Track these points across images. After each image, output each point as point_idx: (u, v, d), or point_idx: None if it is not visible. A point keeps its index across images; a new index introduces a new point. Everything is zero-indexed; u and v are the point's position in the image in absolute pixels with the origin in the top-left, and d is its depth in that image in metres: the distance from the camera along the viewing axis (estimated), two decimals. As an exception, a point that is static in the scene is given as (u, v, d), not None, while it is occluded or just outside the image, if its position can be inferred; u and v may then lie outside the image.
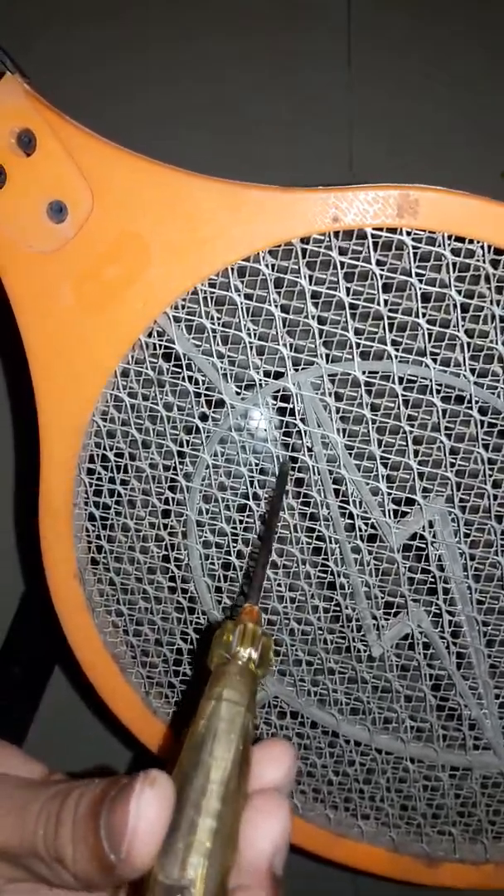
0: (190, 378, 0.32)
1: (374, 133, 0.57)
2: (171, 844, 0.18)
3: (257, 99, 0.57)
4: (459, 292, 0.29)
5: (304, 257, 0.29)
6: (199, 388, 0.32)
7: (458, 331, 0.29)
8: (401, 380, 0.31)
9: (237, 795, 0.19)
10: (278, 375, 0.32)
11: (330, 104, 0.57)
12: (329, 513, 0.33)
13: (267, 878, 0.20)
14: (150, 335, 0.32)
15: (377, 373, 0.31)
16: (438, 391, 0.31)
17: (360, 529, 0.33)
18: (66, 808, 0.19)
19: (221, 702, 0.20)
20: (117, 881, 0.19)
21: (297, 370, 0.31)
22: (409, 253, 0.29)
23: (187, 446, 0.33)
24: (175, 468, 0.34)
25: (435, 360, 0.30)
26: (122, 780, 0.19)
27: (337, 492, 0.33)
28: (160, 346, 0.32)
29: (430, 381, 0.30)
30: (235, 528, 0.34)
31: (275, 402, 0.33)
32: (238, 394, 0.32)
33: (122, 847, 0.18)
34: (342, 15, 0.58)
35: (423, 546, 0.33)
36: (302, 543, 0.34)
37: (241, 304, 0.30)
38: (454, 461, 0.31)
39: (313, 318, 0.30)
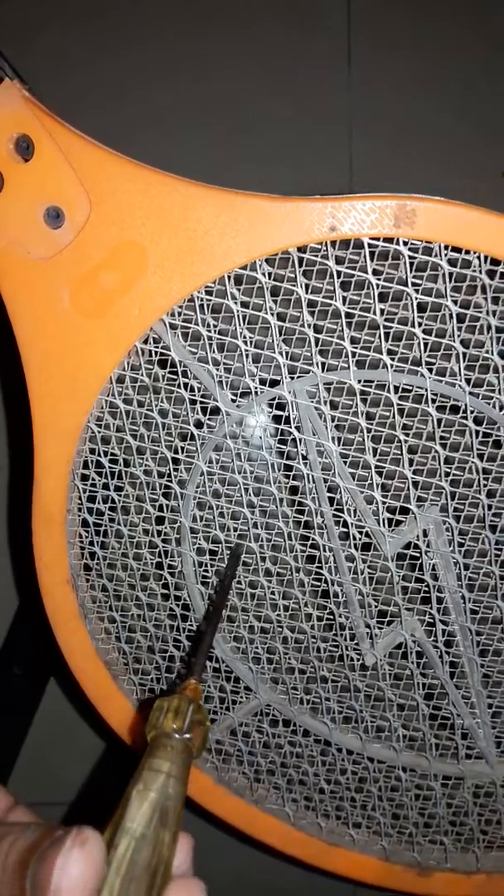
0: (185, 385, 0.32)
1: (374, 133, 0.57)
2: None
3: (257, 99, 0.58)
4: (455, 302, 0.29)
5: (300, 266, 0.29)
6: (194, 395, 0.32)
7: (454, 341, 0.30)
8: (396, 389, 0.31)
9: (162, 862, 0.20)
10: (274, 383, 0.32)
11: (330, 104, 0.58)
12: (323, 521, 0.33)
13: None
14: (145, 341, 0.32)
15: (372, 382, 0.31)
16: (434, 401, 0.31)
17: (355, 538, 0.33)
18: None
19: (169, 778, 0.21)
20: None
21: (292, 378, 0.31)
22: (405, 263, 0.29)
23: (182, 453, 0.33)
24: (170, 475, 0.34)
25: (430, 370, 0.30)
26: (57, 832, 0.18)
27: (331, 500, 0.33)
28: (156, 352, 0.32)
29: (426, 390, 0.30)
30: (229, 536, 0.34)
31: (270, 410, 0.33)
32: (233, 401, 0.32)
33: None
34: (342, 15, 0.58)
35: (417, 555, 0.33)
36: (296, 551, 0.34)
37: (238, 311, 0.30)
38: (449, 471, 0.31)
39: (309, 326, 0.30)
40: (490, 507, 0.32)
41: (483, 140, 0.58)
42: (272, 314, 0.30)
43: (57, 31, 0.58)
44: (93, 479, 0.34)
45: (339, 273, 0.29)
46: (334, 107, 0.58)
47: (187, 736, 0.22)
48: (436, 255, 0.29)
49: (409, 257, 0.29)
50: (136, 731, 0.39)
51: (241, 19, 0.58)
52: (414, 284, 0.29)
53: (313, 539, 0.34)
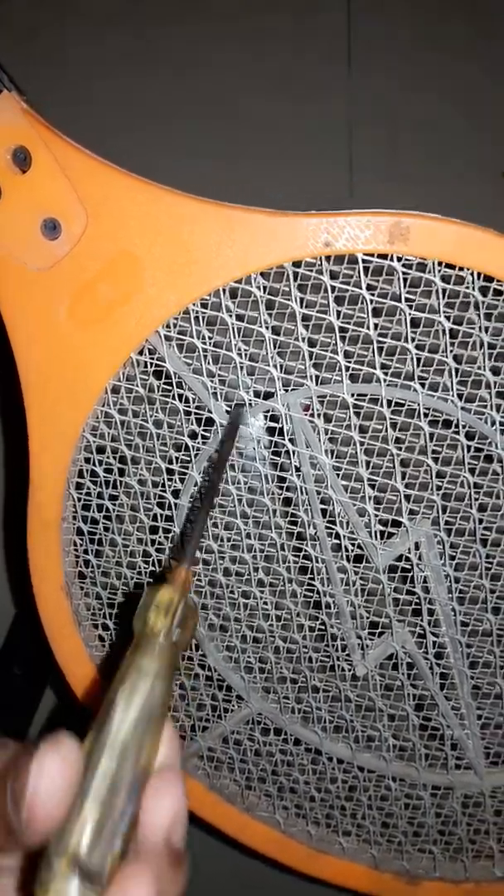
0: (180, 396, 0.32)
1: (374, 133, 0.58)
2: (75, 815, 0.18)
3: (257, 99, 0.58)
4: (448, 318, 0.29)
5: (295, 280, 0.30)
6: (188, 406, 0.32)
7: (447, 356, 0.30)
8: (389, 403, 0.31)
9: (144, 767, 0.19)
10: (268, 396, 0.32)
11: (330, 104, 0.58)
12: (316, 533, 0.34)
13: (165, 851, 0.19)
14: (141, 353, 0.32)
15: (366, 395, 0.31)
16: (426, 415, 0.31)
17: (347, 550, 0.33)
18: None
19: (156, 679, 0.20)
20: (24, 846, 0.19)
21: (286, 391, 0.32)
22: (399, 278, 0.29)
23: (176, 463, 0.34)
24: (164, 485, 0.34)
25: (423, 385, 0.30)
26: (33, 745, 0.19)
27: (324, 512, 0.33)
28: (151, 363, 0.32)
29: (418, 405, 0.31)
30: (223, 545, 0.35)
31: (264, 422, 0.33)
32: (228, 412, 0.32)
33: (21, 808, 0.18)
34: (342, 15, 0.58)
35: (409, 568, 0.33)
36: (289, 562, 0.34)
37: (233, 324, 0.31)
38: (441, 484, 0.32)
39: (303, 340, 0.30)
40: (481, 521, 0.32)
41: (483, 140, 0.58)
42: (267, 327, 0.31)
43: (56, 31, 0.58)
44: (88, 488, 0.34)
45: (333, 288, 0.29)
46: (334, 107, 0.58)
47: (177, 632, 0.21)
48: (429, 272, 0.29)
49: (403, 273, 0.29)
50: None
51: (241, 20, 0.58)
52: (407, 300, 0.29)
53: (306, 550, 0.34)
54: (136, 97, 0.58)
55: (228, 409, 0.32)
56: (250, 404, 0.32)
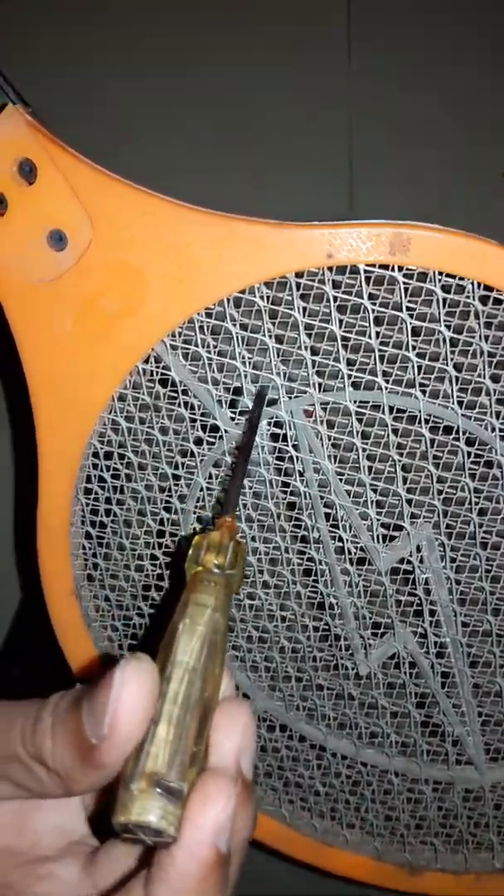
0: (185, 403, 0.33)
1: (373, 133, 0.58)
2: (167, 744, 0.18)
3: (257, 100, 0.58)
4: (449, 327, 0.30)
5: (298, 290, 0.30)
6: (194, 414, 0.33)
7: (447, 364, 0.30)
8: (390, 410, 0.31)
9: (211, 694, 0.20)
10: (271, 403, 0.33)
11: (330, 104, 0.58)
12: (319, 536, 0.34)
13: (236, 776, 0.19)
14: (147, 361, 0.32)
15: (367, 402, 0.32)
16: (427, 421, 0.31)
17: (349, 553, 0.34)
18: (47, 706, 0.19)
19: (214, 612, 0.21)
20: (98, 771, 0.18)
21: (290, 398, 0.32)
22: (400, 288, 0.29)
23: (182, 469, 0.34)
24: (170, 490, 0.35)
25: (424, 392, 0.31)
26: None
27: (327, 516, 0.34)
28: (157, 372, 0.33)
29: (419, 412, 0.31)
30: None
31: (268, 429, 0.33)
32: (232, 419, 0.33)
33: (103, 721, 0.17)
34: (342, 15, 0.58)
35: (410, 570, 0.34)
36: (293, 565, 0.35)
37: (237, 334, 0.31)
38: (441, 489, 0.32)
39: (306, 348, 0.31)
40: (481, 525, 0.33)
41: (483, 140, 0.58)
42: (270, 336, 0.31)
43: (54, 32, 0.58)
44: (95, 494, 0.35)
45: (335, 298, 0.30)
46: (334, 107, 0.58)
47: (228, 568, 0.22)
48: (430, 282, 0.29)
49: (404, 283, 0.29)
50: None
51: (240, 20, 0.58)
52: (408, 309, 0.30)
53: (309, 553, 0.35)
54: (137, 104, 0.58)
55: (233, 415, 0.33)
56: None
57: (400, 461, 0.32)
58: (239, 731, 0.20)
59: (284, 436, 0.33)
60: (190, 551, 0.23)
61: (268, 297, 0.30)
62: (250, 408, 0.32)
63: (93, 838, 0.23)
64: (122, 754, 0.18)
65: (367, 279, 0.29)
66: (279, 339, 0.31)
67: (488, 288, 0.29)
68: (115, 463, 0.35)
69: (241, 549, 0.23)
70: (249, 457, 0.30)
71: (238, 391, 0.33)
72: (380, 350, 0.30)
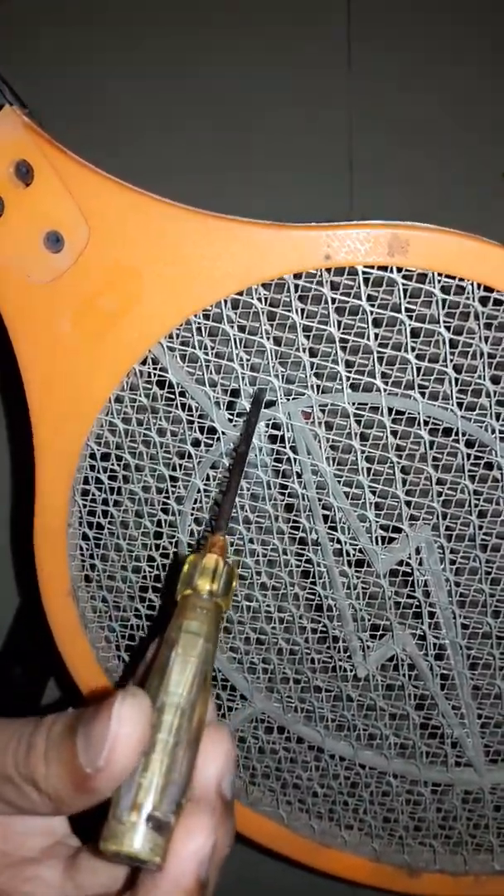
0: (183, 405, 0.33)
1: (373, 133, 0.57)
2: (159, 776, 0.19)
3: (256, 100, 0.57)
4: (448, 328, 0.29)
5: (296, 291, 0.30)
6: (191, 415, 0.33)
7: (447, 366, 0.30)
8: (389, 412, 0.31)
9: (199, 725, 0.20)
10: (270, 405, 0.32)
11: (330, 104, 0.57)
12: (318, 538, 0.34)
13: (217, 800, 0.20)
14: (144, 363, 0.32)
15: (366, 404, 0.31)
16: (426, 423, 0.31)
17: (348, 555, 0.34)
18: (40, 730, 0.20)
19: (207, 643, 0.21)
20: (90, 798, 0.19)
21: (288, 400, 0.32)
22: (399, 290, 0.29)
23: (179, 471, 0.34)
24: (167, 492, 0.35)
25: (423, 394, 0.31)
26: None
27: (326, 518, 0.34)
28: (154, 373, 0.32)
29: (419, 413, 0.31)
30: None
31: (266, 430, 0.33)
32: (230, 421, 0.33)
33: (101, 754, 0.18)
34: (342, 15, 0.57)
35: (409, 572, 0.34)
36: (291, 567, 0.35)
37: (234, 335, 0.31)
38: (441, 491, 0.32)
39: (304, 350, 0.31)
40: (481, 527, 0.32)
41: (483, 140, 0.58)
42: (268, 338, 0.31)
43: (54, 32, 0.58)
44: (93, 495, 0.35)
45: (333, 299, 0.30)
46: (334, 107, 0.58)
47: (218, 593, 0.22)
48: (429, 283, 0.29)
49: (403, 285, 0.29)
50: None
51: (240, 20, 0.58)
52: (407, 311, 0.29)
53: (308, 555, 0.34)
54: (137, 104, 0.58)
55: (231, 417, 0.33)
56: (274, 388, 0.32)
57: (399, 463, 0.32)
58: (221, 757, 0.21)
59: (283, 437, 0.33)
60: (182, 574, 0.23)
61: (266, 299, 0.30)
62: (247, 411, 0.32)
63: (73, 837, 0.24)
64: (116, 783, 0.19)
65: (366, 280, 0.29)
66: (277, 341, 0.31)
67: (488, 289, 0.29)
68: (113, 464, 0.34)
69: (234, 572, 0.23)
70: (243, 471, 0.30)
71: (236, 393, 0.33)
72: (378, 352, 0.30)
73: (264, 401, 0.32)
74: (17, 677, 0.56)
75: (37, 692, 0.57)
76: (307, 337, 0.31)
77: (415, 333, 0.30)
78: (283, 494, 0.34)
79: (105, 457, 0.34)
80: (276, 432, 0.33)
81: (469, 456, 0.31)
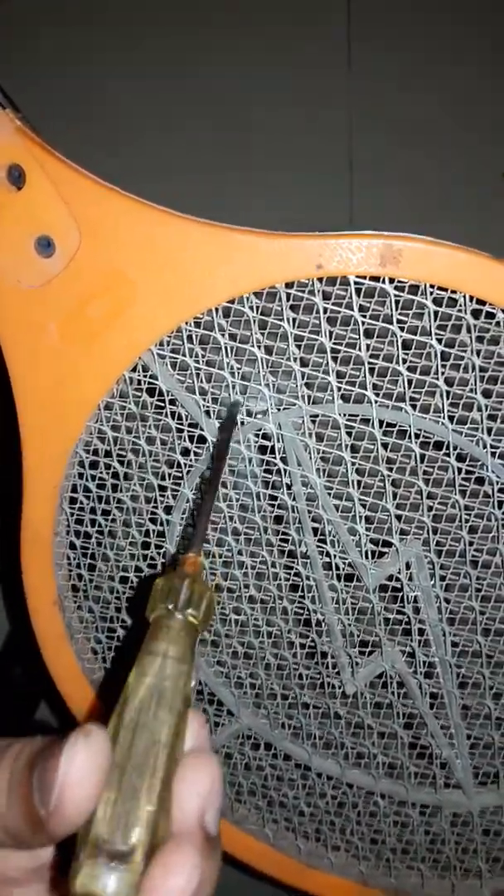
0: (173, 413, 0.32)
1: (373, 133, 0.57)
2: (110, 807, 0.18)
3: (256, 100, 0.58)
4: (440, 340, 0.29)
5: (287, 301, 0.30)
6: (181, 424, 0.33)
7: (438, 378, 0.30)
8: (380, 424, 0.31)
9: (175, 757, 0.19)
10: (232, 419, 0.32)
11: (330, 104, 0.58)
12: (307, 551, 0.34)
13: (199, 834, 0.19)
14: (134, 370, 0.32)
15: (357, 416, 0.31)
16: (417, 436, 0.31)
17: (337, 568, 0.33)
18: (4, 761, 0.19)
19: (166, 659, 0.20)
20: (48, 838, 0.18)
21: (278, 410, 0.32)
22: (391, 301, 0.29)
23: (168, 480, 0.34)
24: (156, 501, 0.34)
25: (414, 406, 0.30)
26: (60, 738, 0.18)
27: (315, 531, 0.33)
28: (144, 381, 0.32)
29: (409, 426, 0.30)
30: (214, 562, 0.35)
31: (256, 441, 0.33)
32: (220, 421, 0.33)
33: (50, 798, 0.17)
34: (342, 15, 0.58)
35: (399, 587, 0.33)
36: (279, 580, 0.34)
37: (225, 344, 0.31)
38: (431, 506, 0.32)
39: (295, 360, 0.30)
40: (471, 543, 0.32)
41: (483, 140, 0.58)
42: (259, 347, 0.31)
43: (54, 32, 0.58)
44: (81, 503, 0.35)
45: (325, 309, 0.29)
46: (334, 107, 0.58)
47: (189, 611, 0.22)
48: (421, 294, 0.29)
49: (395, 296, 0.29)
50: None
51: (240, 20, 0.58)
52: (399, 322, 0.29)
53: (297, 568, 0.34)
54: (137, 104, 0.58)
55: (220, 422, 0.33)
56: (242, 423, 0.32)
57: (389, 476, 0.31)
58: (203, 786, 0.19)
59: (272, 448, 0.32)
60: (157, 589, 0.22)
61: (257, 308, 0.30)
62: (219, 427, 0.31)
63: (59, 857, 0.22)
64: (73, 826, 0.18)
65: (358, 291, 0.29)
66: (268, 350, 0.31)
67: (480, 301, 0.29)
68: (101, 472, 0.34)
69: (203, 586, 0.22)
70: (217, 490, 0.29)
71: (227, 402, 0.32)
72: (370, 363, 0.30)
73: (237, 417, 0.31)
74: (17, 677, 0.55)
75: (37, 692, 0.56)
76: (298, 346, 0.30)
77: (406, 345, 0.30)
78: (272, 506, 0.34)
79: (94, 465, 0.34)
80: (266, 443, 0.33)
81: (460, 470, 0.31)
